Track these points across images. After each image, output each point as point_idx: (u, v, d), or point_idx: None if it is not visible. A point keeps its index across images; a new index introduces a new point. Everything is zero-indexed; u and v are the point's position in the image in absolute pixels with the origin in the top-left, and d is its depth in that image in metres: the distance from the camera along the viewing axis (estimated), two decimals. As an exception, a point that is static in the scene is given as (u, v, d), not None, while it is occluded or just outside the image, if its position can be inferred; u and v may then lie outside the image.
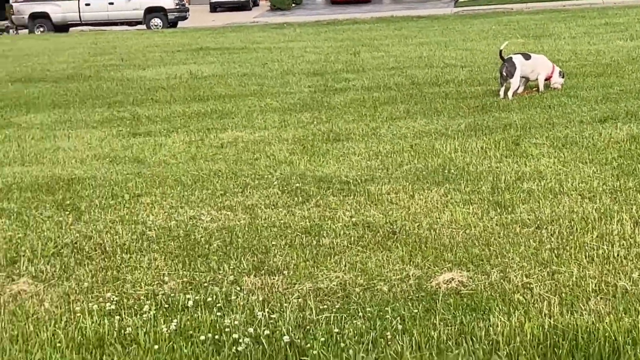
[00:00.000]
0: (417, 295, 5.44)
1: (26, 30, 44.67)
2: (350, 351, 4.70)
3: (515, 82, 13.11)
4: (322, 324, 5.07)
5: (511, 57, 13.28)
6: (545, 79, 13.57)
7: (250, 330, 4.98)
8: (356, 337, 4.87)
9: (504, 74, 13.17)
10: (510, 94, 13.09)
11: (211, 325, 5.09)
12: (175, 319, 5.17)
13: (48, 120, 13.50)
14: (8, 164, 10.11)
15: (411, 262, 6.00)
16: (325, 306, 5.33)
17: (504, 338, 4.75)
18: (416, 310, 5.16)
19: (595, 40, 22.12)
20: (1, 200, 8.21)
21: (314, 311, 5.24)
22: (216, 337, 4.93)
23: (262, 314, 5.20)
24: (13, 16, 45.55)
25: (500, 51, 13.50)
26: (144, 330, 5.05)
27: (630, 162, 8.58)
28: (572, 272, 5.67)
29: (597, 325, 4.84)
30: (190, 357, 4.76)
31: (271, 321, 5.11)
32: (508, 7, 42.49)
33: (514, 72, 13.04)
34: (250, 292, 5.59)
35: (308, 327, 5.04)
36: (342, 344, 4.78)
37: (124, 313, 5.33)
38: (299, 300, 5.43)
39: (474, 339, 4.78)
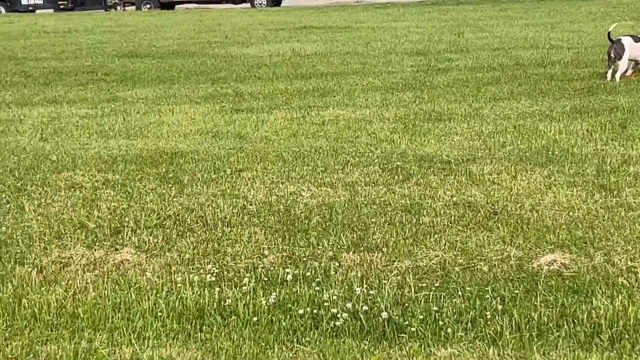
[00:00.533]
0: (517, 276, 5.37)
1: (133, 7, 45.39)
2: (449, 329, 4.68)
3: (623, 64, 12.83)
4: (420, 301, 5.04)
5: (620, 39, 13.00)
6: (656, 62, 13.27)
7: (349, 305, 4.97)
8: (455, 316, 4.83)
9: (612, 55, 12.90)
10: (617, 76, 12.82)
11: (310, 299, 5.10)
12: (274, 292, 5.20)
13: (153, 95, 13.69)
14: (114, 136, 10.29)
15: (512, 243, 5.93)
16: (424, 284, 5.30)
17: (607, 321, 4.66)
18: (517, 291, 5.10)
19: None
20: (106, 172, 8.36)
21: (412, 289, 5.21)
22: (314, 311, 4.94)
23: (361, 289, 5.19)
24: (121, -7, 46.37)
25: (609, 33, 13.22)
26: (244, 302, 5.08)
27: None
28: (679, 257, 5.54)
29: None
30: (289, 330, 4.79)
31: (369, 297, 5.10)
32: (617, -11, 41.55)
33: (623, 54, 12.77)
34: (349, 268, 5.59)
35: (406, 304, 5.02)
36: (441, 322, 4.76)
37: (224, 285, 5.38)
38: (398, 277, 5.41)
39: (575, 321, 4.71)
